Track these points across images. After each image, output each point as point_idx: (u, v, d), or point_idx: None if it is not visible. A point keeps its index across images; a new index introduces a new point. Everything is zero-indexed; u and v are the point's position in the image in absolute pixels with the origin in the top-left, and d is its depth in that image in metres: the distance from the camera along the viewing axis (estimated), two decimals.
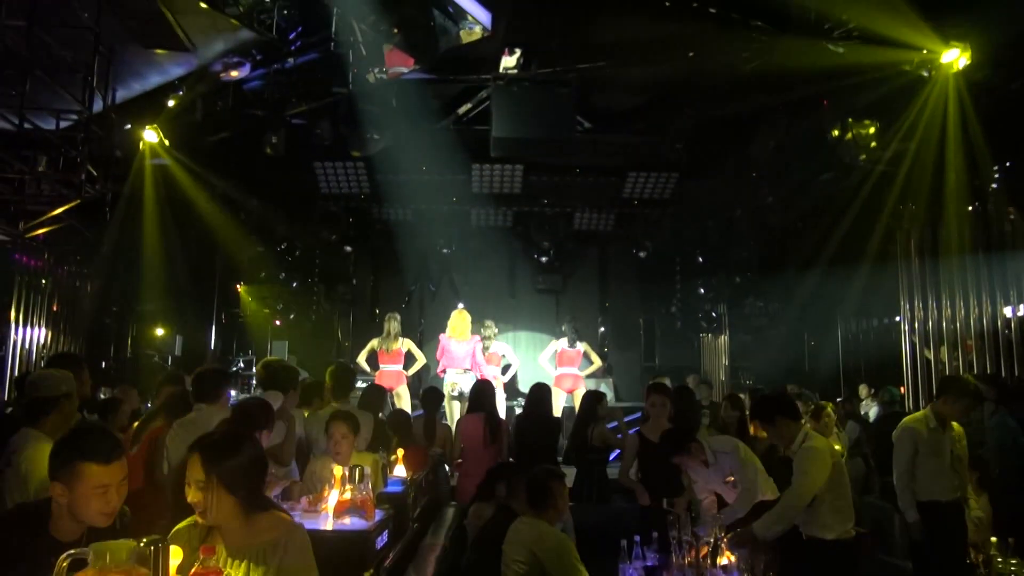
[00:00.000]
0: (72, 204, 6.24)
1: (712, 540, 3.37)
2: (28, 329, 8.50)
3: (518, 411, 8.88)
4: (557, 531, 3.30)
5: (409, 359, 8.83)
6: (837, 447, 3.82)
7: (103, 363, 9.39)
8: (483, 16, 6.38)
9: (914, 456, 4.23)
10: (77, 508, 2.02)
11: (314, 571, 2.15)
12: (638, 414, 7.83)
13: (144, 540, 1.68)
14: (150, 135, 7.89)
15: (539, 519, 3.34)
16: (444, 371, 8.51)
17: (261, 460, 2.19)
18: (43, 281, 8.77)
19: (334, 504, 3.40)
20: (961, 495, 4.32)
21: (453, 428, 6.28)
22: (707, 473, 4.13)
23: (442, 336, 8.66)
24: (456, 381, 8.33)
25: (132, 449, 3.79)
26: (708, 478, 4.16)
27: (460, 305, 9.39)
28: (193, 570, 1.72)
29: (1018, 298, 7.72)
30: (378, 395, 5.80)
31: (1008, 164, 7.48)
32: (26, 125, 5.56)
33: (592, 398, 5.78)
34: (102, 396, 6.06)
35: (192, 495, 2.05)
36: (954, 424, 4.36)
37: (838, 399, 8.79)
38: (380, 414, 5.58)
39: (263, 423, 3.41)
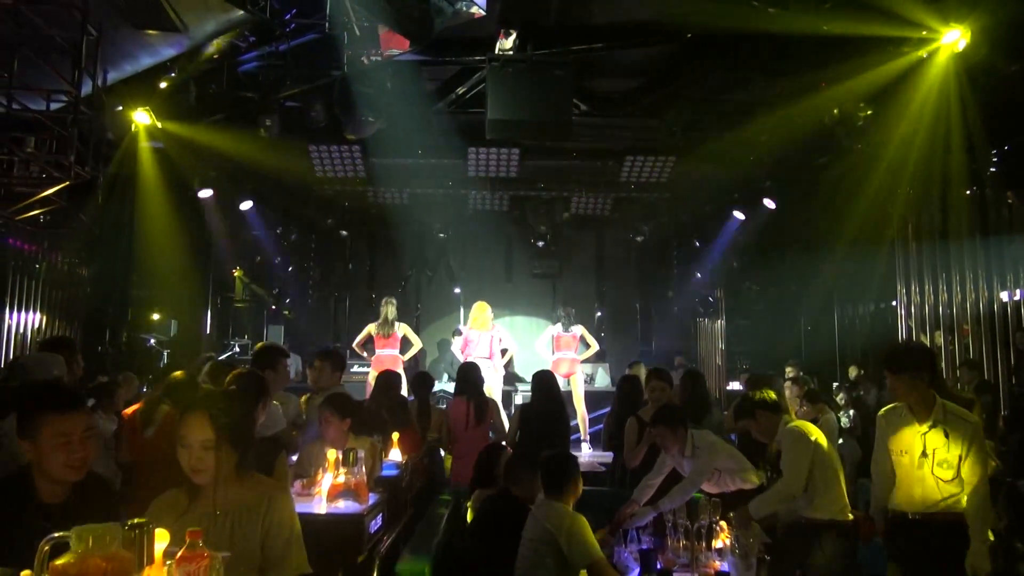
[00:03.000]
0: (62, 186, 6.12)
1: (707, 523, 3.39)
2: (22, 314, 8.45)
3: (516, 398, 9.17)
4: (572, 511, 3.31)
5: (405, 344, 8.85)
6: (821, 433, 3.74)
7: (99, 348, 9.29)
8: None
9: None
10: (45, 463, 2.07)
11: (297, 529, 2.18)
12: None
13: (128, 523, 1.65)
14: (142, 117, 7.80)
15: (557, 500, 3.35)
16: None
17: (255, 417, 2.20)
18: (37, 266, 8.71)
19: (327, 487, 3.40)
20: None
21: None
22: (687, 463, 4.13)
23: (462, 327, 8.80)
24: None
25: (148, 431, 3.81)
26: (684, 468, 4.15)
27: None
28: (180, 554, 1.68)
29: (1015, 283, 7.71)
30: (395, 381, 5.81)
31: (1006, 148, 7.45)
32: (15, 106, 5.48)
33: (635, 383, 5.72)
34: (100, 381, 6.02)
35: (190, 457, 2.07)
36: None
37: (839, 383, 8.77)
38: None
39: (259, 391, 3.39)
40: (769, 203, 10.32)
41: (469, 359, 8.33)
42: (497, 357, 8.63)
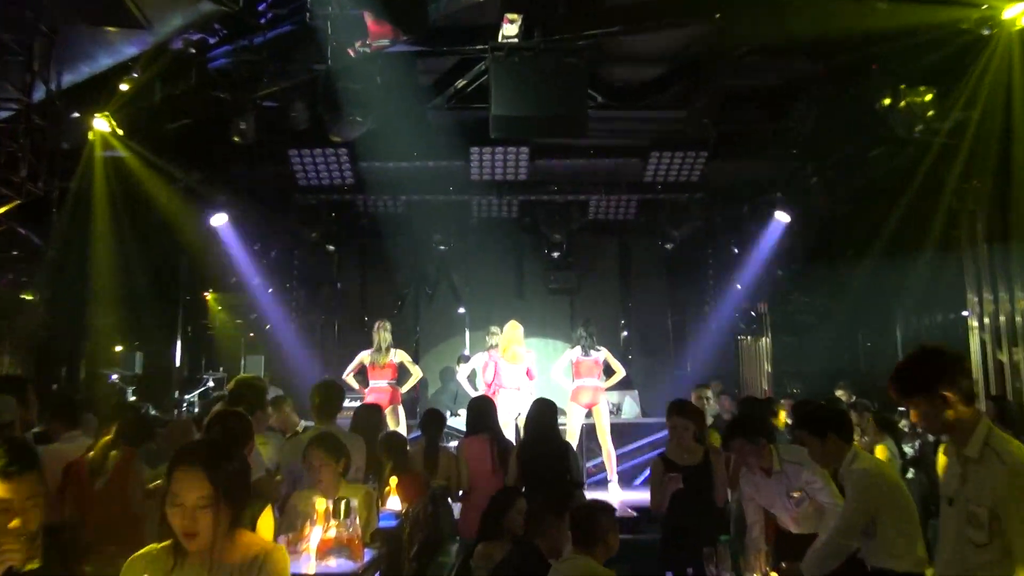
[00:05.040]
0: (12, 205, 6.20)
1: None
2: None
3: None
4: (607, 570, 3.33)
5: (403, 374, 8.86)
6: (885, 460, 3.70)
7: (53, 385, 9.38)
8: None
9: None
10: None
11: None
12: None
13: None
14: (101, 124, 7.89)
15: (586, 555, 3.36)
16: (495, 393, 8.51)
17: (250, 467, 2.24)
18: None
19: (316, 543, 3.40)
20: None
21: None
22: (768, 484, 4.10)
23: (492, 353, 8.80)
24: (514, 404, 8.44)
25: (98, 482, 3.89)
26: (767, 490, 4.12)
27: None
28: None
29: None
30: (373, 416, 5.85)
31: None
32: None
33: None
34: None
35: (184, 517, 2.05)
36: None
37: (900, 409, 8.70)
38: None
39: (245, 435, 3.46)
40: (816, 201, 10.21)
41: (492, 392, 8.34)
42: (527, 387, 8.67)
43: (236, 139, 8.05)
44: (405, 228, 11.68)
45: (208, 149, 9.09)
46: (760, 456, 4.11)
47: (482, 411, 5.93)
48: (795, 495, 4.07)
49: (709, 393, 8.09)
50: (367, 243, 11.98)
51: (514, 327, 8.83)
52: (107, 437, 4.17)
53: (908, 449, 6.80)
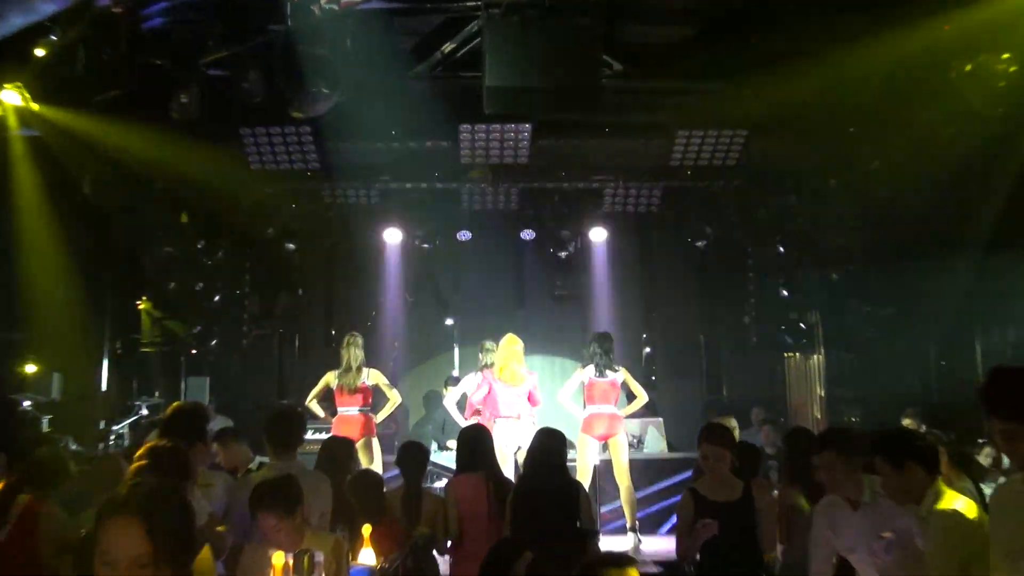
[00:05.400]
0: None
1: None
2: None
3: None
4: None
5: (378, 399, 8.89)
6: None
7: None
8: None
9: None
10: None
11: None
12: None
13: None
14: (11, 96, 7.89)
15: None
16: (490, 422, 8.50)
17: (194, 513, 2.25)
18: None
19: None
20: None
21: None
22: (851, 521, 4.05)
23: (487, 373, 8.82)
24: (513, 435, 8.46)
25: (0, 532, 3.91)
26: (849, 529, 4.06)
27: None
28: None
29: None
30: (343, 451, 5.87)
31: None
32: None
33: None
34: None
35: None
36: None
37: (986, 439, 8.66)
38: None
39: (183, 474, 3.50)
40: (878, 190, 10.16)
41: (483, 420, 8.31)
42: (528, 415, 8.71)
43: (176, 115, 8.00)
44: (380, 223, 11.60)
45: (142, 127, 8.96)
46: (851, 479, 4.03)
47: (475, 444, 5.93)
48: (885, 535, 3.92)
49: (734, 423, 8.05)
50: (335, 241, 11.88)
51: (512, 342, 8.84)
52: (12, 479, 4.23)
53: (987, 489, 6.55)
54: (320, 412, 8.91)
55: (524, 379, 8.72)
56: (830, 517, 4.19)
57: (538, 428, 6.08)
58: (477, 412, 8.79)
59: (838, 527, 4.15)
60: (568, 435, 6.18)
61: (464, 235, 11.59)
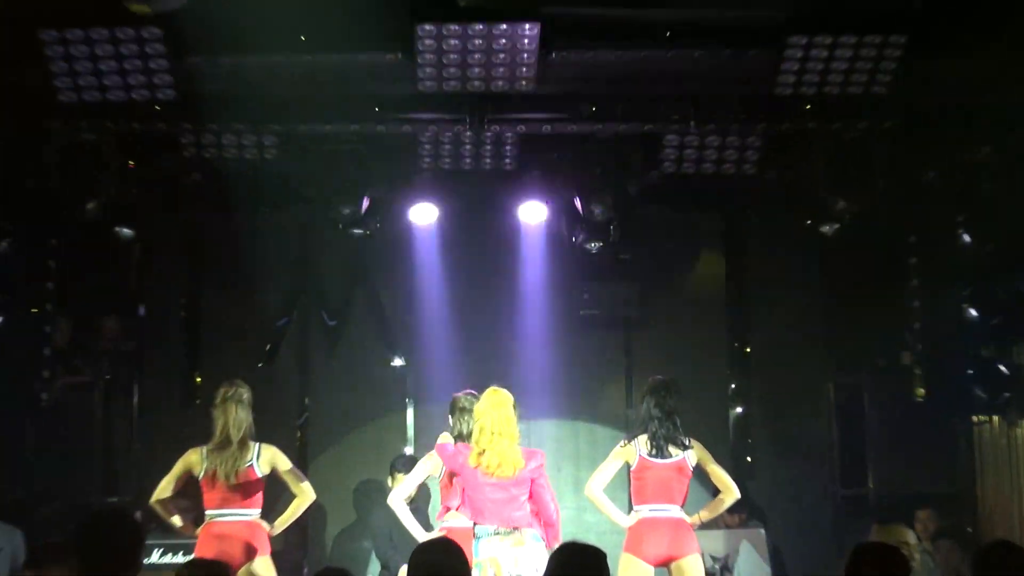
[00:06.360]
0: None
1: None
2: None
3: None
4: None
5: (276, 495, 7.70)
6: None
7: None
8: None
9: None
10: None
11: None
12: None
13: None
14: None
15: None
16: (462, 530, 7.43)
17: None
18: None
19: None
20: None
21: None
22: None
23: (459, 451, 7.59)
24: (508, 558, 7.22)
25: None
26: None
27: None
28: None
29: None
30: None
31: None
32: None
33: None
34: None
35: None
36: None
37: None
38: None
39: None
40: None
41: (448, 530, 7.13)
42: (532, 527, 7.18)
43: None
44: (282, 191, 9.44)
45: None
46: None
47: (439, 572, 4.83)
48: None
49: (911, 537, 7.44)
50: (202, 222, 9.73)
51: (498, 401, 7.18)
52: None
53: None
54: (175, 520, 7.36)
55: (521, 463, 7.10)
56: None
57: (558, 545, 5.65)
58: (449, 510, 7.50)
59: None
60: (607, 552, 4.51)
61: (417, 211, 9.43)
